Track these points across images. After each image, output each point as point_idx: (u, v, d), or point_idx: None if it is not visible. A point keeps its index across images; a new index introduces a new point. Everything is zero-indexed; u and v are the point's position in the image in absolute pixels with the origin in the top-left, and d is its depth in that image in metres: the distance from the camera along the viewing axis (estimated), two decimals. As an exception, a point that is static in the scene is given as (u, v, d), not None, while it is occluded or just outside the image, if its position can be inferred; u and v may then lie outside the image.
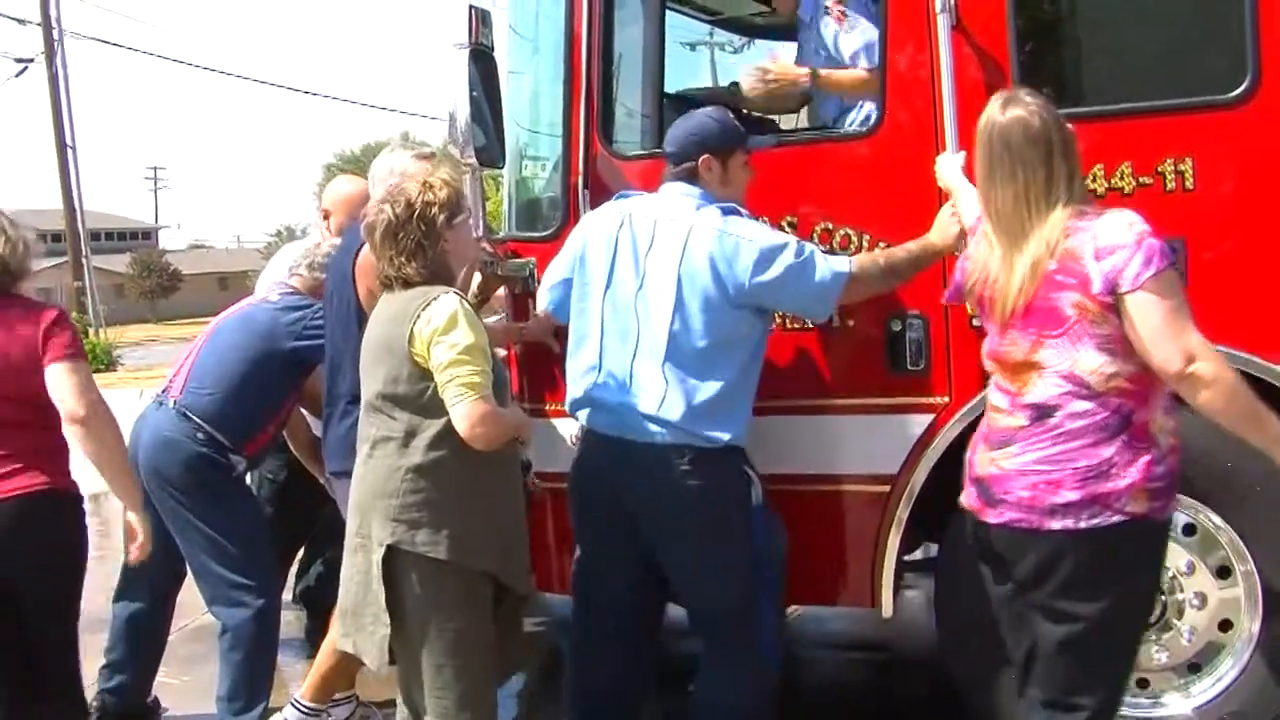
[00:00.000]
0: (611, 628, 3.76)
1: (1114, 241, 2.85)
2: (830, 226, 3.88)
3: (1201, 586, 3.65)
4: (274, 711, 4.44)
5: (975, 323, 3.55)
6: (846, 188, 3.88)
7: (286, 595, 5.27)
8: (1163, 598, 3.65)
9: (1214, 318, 3.47)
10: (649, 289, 3.58)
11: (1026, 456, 2.96)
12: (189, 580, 4.58)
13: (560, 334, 4.04)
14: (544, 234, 4.23)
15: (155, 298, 59.40)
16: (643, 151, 4.26)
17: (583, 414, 3.71)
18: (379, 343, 3.42)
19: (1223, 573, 3.65)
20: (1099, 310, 2.86)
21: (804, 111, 4.78)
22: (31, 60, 28.55)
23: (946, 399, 3.78)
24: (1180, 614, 3.68)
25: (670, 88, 4.51)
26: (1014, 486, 2.98)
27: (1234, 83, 3.48)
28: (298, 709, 4.38)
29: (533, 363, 4.30)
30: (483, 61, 4.05)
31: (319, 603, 5.36)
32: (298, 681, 4.89)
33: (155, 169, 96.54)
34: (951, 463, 3.46)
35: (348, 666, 4.43)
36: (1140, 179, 3.56)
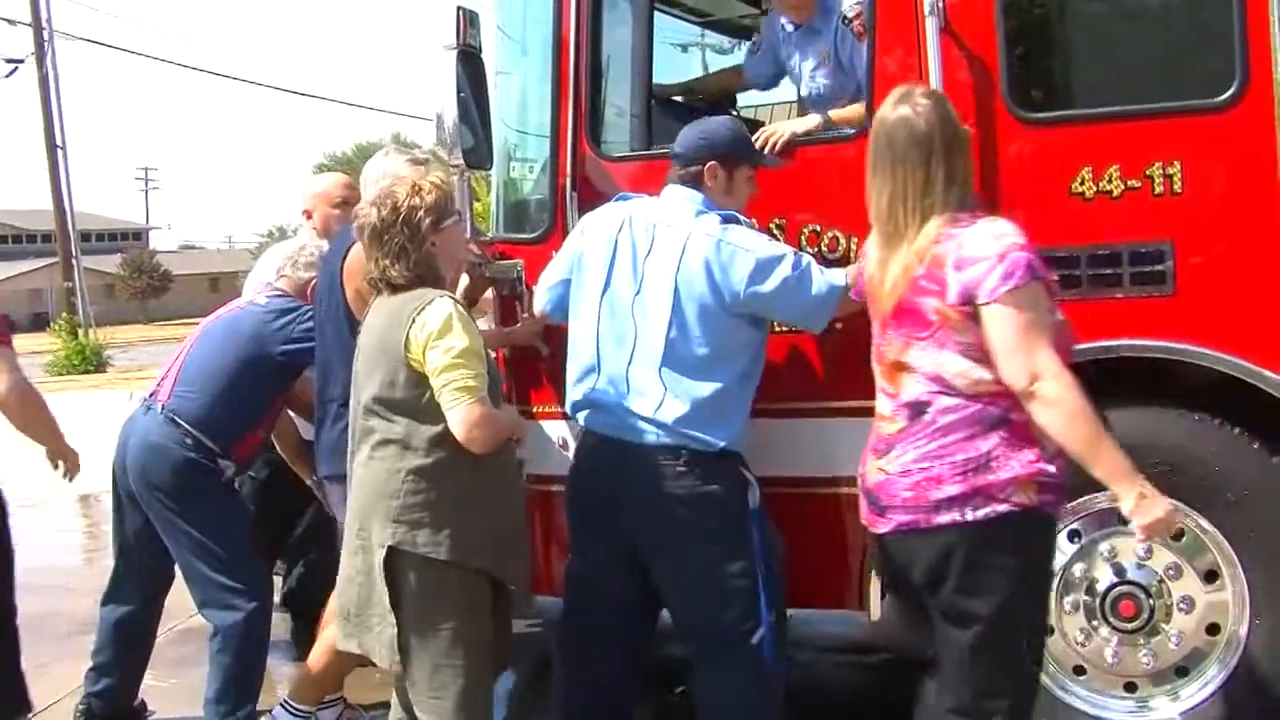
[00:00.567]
0: (604, 630, 3.75)
1: (976, 253, 2.87)
2: (819, 229, 3.87)
3: (1189, 590, 3.65)
4: (262, 714, 4.43)
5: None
6: (835, 190, 3.87)
7: (276, 598, 5.26)
8: (1150, 601, 3.65)
9: (1202, 322, 3.50)
10: (646, 294, 3.58)
11: (906, 456, 2.99)
12: (177, 582, 4.57)
13: (549, 336, 4.03)
14: (532, 236, 4.22)
15: (146, 298, 59.30)
16: (630, 153, 4.25)
17: (582, 415, 3.71)
18: (374, 347, 3.43)
19: (1210, 577, 3.65)
20: (960, 319, 2.89)
21: (793, 112, 4.79)
22: (22, 61, 28.59)
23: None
24: (1168, 618, 3.67)
25: (657, 89, 4.50)
26: (898, 489, 3.00)
27: (1222, 86, 3.48)
28: (287, 711, 4.37)
29: (521, 366, 4.28)
30: (471, 63, 4.05)
31: (302, 605, 5.35)
32: (285, 684, 4.89)
33: (146, 169, 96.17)
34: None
35: (337, 669, 4.43)
36: (1129, 182, 3.56)
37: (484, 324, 4.28)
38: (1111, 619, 3.69)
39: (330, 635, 4.43)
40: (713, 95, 4.95)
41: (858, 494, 3.19)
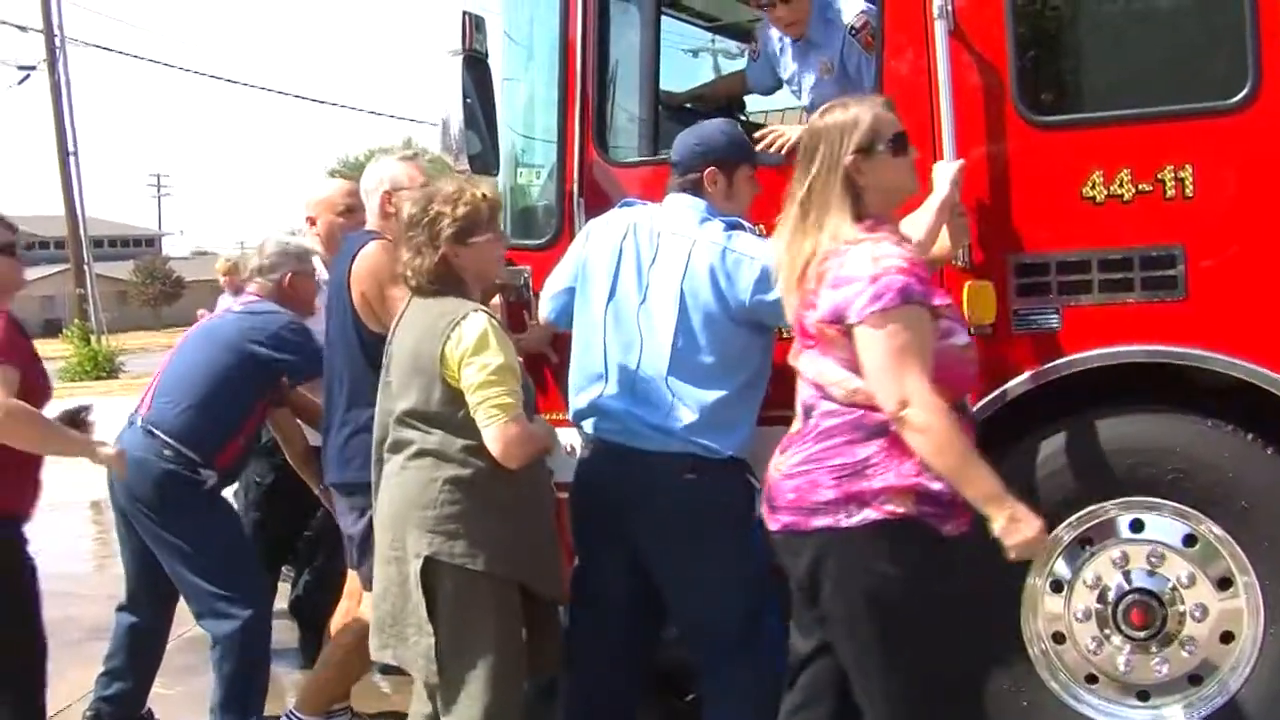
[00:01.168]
0: (611, 635, 3.74)
1: (851, 273, 2.88)
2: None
3: (1202, 598, 3.61)
4: (269, 722, 4.42)
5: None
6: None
7: (282, 604, 5.25)
8: (1163, 609, 3.62)
9: (1214, 327, 3.47)
10: (652, 303, 3.57)
11: (794, 458, 3.02)
12: (184, 589, 4.56)
13: (557, 343, 4.02)
14: (539, 242, 4.20)
15: (159, 305, 59.45)
16: (637, 159, 4.23)
17: (587, 423, 3.70)
18: (408, 360, 3.45)
19: (1224, 584, 3.60)
20: (835, 334, 2.92)
21: (803, 118, 4.75)
22: (34, 67, 28.66)
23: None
24: (1181, 626, 3.63)
25: (665, 94, 4.48)
26: (784, 489, 3.03)
27: (1234, 89, 3.46)
28: (294, 720, 4.36)
29: (530, 373, 4.26)
30: (477, 68, 4.04)
31: (308, 614, 5.34)
32: (292, 692, 4.88)
33: (158, 176, 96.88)
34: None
35: (345, 678, 4.43)
36: (1140, 186, 3.53)
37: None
38: (1124, 627, 3.64)
39: (336, 644, 4.44)
40: (720, 100, 4.93)
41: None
